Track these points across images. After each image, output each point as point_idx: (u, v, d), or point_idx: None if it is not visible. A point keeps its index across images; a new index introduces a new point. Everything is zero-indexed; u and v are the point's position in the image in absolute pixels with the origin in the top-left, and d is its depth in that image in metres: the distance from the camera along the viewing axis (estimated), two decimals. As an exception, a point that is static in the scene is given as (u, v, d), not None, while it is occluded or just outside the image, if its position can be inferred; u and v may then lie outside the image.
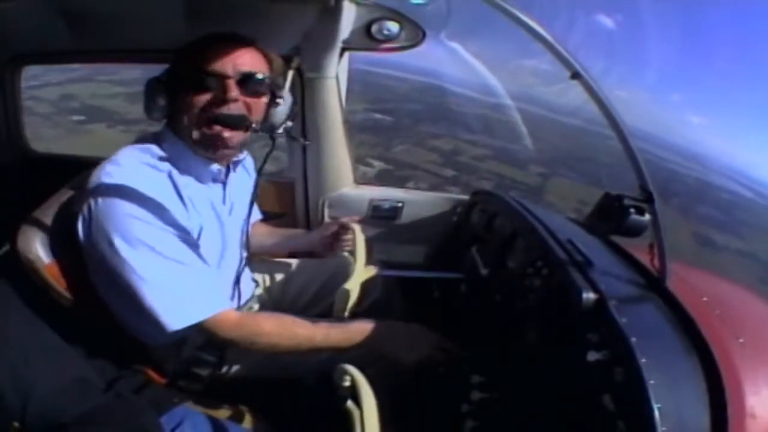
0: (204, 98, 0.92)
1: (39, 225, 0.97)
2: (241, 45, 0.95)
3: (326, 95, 1.52)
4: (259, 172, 1.16)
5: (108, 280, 0.88)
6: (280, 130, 1.07)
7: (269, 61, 1.01)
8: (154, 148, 0.96)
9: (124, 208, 0.85)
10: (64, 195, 1.03)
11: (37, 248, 0.94)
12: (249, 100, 0.95)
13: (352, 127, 1.65)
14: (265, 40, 1.20)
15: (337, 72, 1.51)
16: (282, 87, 1.05)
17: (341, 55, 1.49)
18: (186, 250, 0.91)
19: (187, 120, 0.94)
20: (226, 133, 0.95)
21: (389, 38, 1.40)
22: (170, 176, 0.94)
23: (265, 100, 1.00)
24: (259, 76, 0.96)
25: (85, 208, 0.87)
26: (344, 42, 1.43)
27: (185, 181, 0.97)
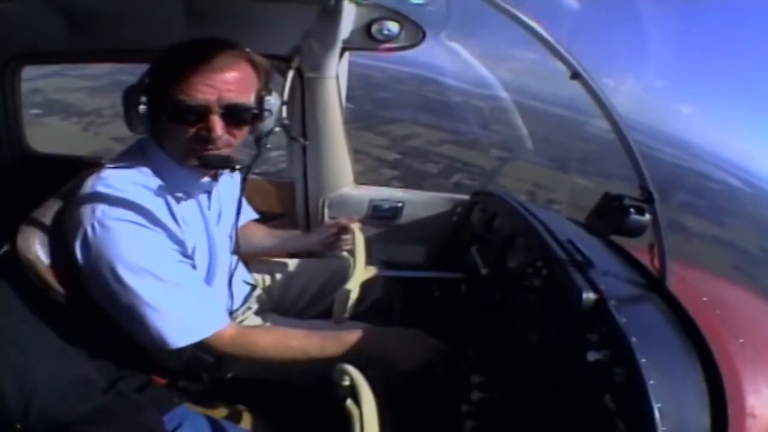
0: (187, 131, 0.87)
1: (39, 225, 0.96)
2: (226, 61, 0.85)
3: (326, 95, 1.52)
4: (244, 180, 1.04)
5: (110, 301, 0.88)
6: (269, 145, 1.01)
7: (257, 68, 0.92)
8: (143, 165, 0.94)
9: (123, 235, 0.85)
10: (64, 195, 1.03)
11: (37, 248, 0.94)
12: (234, 130, 0.90)
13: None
14: (265, 41, 1.19)
15: (337, 72, 1.51)
16: (270, 92, 0.97)
17: (341, 55, 1.49)
18: (185, 271, 0.93)
19: (171, 149, 0.91)
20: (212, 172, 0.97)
21: (389, 38, 1.40)
22: (162, 196, 0.93)
23: (248, 126, 0.94)
24: (245, 105, 0.89)
25: (81, 233, 0.86)
26: (344, 42, 1.43)
27: (177, 199, 0.96)
